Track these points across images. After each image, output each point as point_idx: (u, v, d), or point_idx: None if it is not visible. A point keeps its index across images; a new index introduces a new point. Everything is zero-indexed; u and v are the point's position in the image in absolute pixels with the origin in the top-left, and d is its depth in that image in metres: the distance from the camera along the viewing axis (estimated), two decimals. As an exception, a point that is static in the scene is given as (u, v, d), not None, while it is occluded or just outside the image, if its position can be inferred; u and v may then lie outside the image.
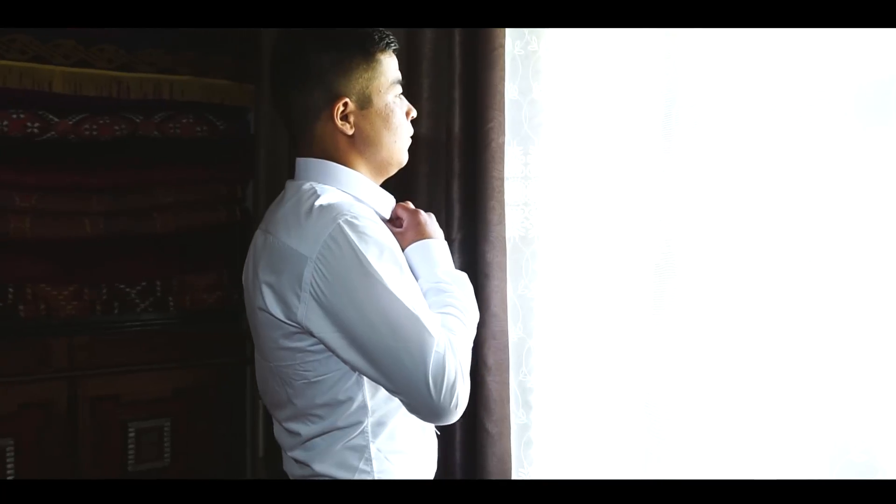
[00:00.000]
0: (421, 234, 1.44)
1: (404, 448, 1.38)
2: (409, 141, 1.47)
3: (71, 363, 2.55)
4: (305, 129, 1.40)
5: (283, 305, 1.28)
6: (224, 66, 2.67)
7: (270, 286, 1.29)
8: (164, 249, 2.66)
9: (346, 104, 1.37)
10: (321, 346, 1.29)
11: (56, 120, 2.46)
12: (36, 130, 2.44)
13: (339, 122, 1.37)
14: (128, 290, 2.61)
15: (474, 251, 1.87)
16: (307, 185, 1.37)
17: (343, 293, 1.25)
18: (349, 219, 1.27)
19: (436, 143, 1.98)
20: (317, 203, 1.30)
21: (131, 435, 2.65)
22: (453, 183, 1.90)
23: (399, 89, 1.44)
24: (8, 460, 2.49)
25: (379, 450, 1.35)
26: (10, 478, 2.50)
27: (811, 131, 1.58)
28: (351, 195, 1.39)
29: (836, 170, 1.55)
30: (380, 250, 1.27)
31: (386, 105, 1.40)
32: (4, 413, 2.48)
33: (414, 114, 1.47)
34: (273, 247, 1.31)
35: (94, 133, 2.51)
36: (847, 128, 1.53)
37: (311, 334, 1.28)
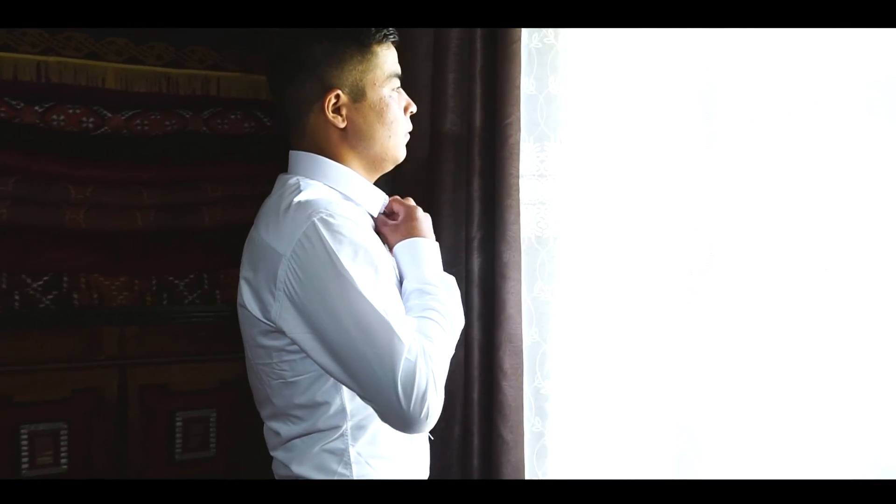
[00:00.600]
0: (413, 230, 1.40)
1: (387, 453, 1.34)
2: (407, 137, 1.43)
3: (121, 351, 2.62)
4: (298, 121, 1.38)
5: (259, 303, 1.26)
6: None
7: (248, 282, 1.28)
8: (212, 243, 2.70)
9: (337, 96, 1.33)
10: (297, 346, 1.26)
11: (109, 115, 2.54)
12: (91, 125, 2.53)
13: (330, 115, 1.34)
14: (176, 282, 2.68)
15: (491, 251, 1.81)
16: (293, 180, 1.34)
17: (315, 293, 1.21)
18: (324, 216, 1.23)
19: (460, 139, 1.93)
20: (295, 199, 1.27)
21: (178, 424, 2.71)
22: (473, 180, 1.85)
23: (396, 83, 1.39)
24: (62, 442, 2.59)
25: (359, 454, 1.31)
26: (63, 460, 2.60)
27: (850, 131, 1.48)
28: (338, 191, 1.36)
29: (885, 171, 1.45)
30: (354, 250, 1.22)
31: (381, 99, 1.36)
32: (59, 397, 2.58)
33: (413, 109, 1.43)
34: (254, 242, 1.30)
35: (146, 128, 2.58)
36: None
37: (285, 334, 1.25)
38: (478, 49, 1.83)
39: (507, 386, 1.78)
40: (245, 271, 1.29)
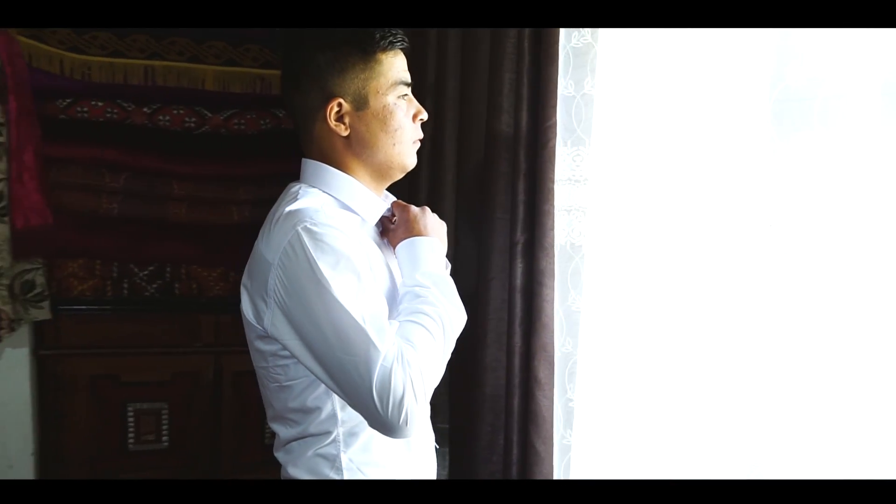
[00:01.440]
0: (410, 231, 1.38)
1: (381, 461, 1.34)
2: (416, 144, 1.39)
3: (217, 339, 2.77)
4: (305, 129, 1.38)
5: (254, 309, 1.29)
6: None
7: (246, 289, 1.30)
8: (305, 237, 2.79)
9: (340, 105, 1.32)
10: (288, 352, 1.28)
11: (209, 115, 2.69)
12: (193, 125, 2.69)
13: (332, 123, 1.33)
14: (269, 274, 2.79)
15: (531, 257, 1.76)
16: (295, 188, 1.36)
17: (297, 301, 1.22)
18: (308, 226, 1.23)
19: (512, 141, 1.88)
20: (287, 209, 1.28)
21: (270, 411, 2.82)
22: (518, 183, 1.80)
23: (403, 90, 1.36)
24: (163, 421, 2.78)
25: (351, 460, 1.31)
26: (164, 438, 2.79)
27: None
28: (337, 199, 1.35)
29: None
30: (336, 259, 1.22)
31: (384, 106, 1.34)
32: (161, 380, 2.76)
33: (423, 116, 1.39)
34: (253, 250, 1.32)
35: (242, 127, 2.70)
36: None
37: (277, 340, 1.27)
38: (525, 49, 1.77)
39: (540, 396, 1.72)
40: (244, 278, 1.32)
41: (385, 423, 1.19)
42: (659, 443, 1.68)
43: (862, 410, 1.43)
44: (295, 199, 1.31)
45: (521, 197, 1.80)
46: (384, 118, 1.34)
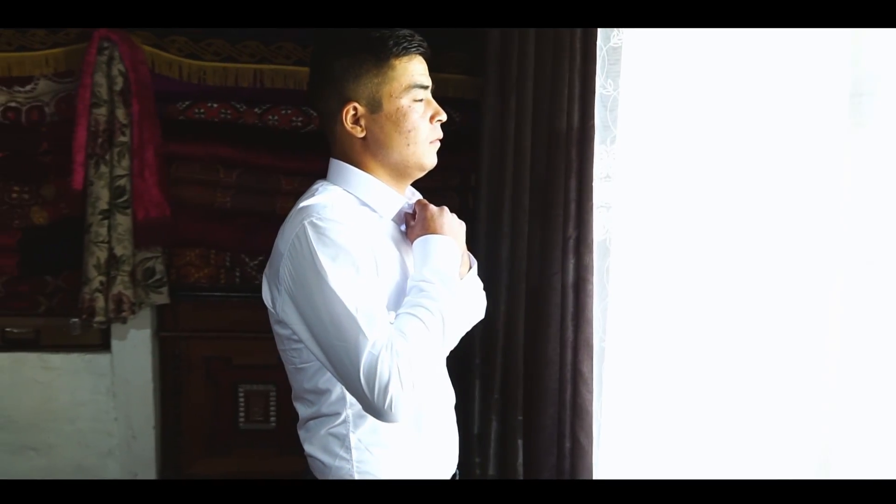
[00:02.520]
0: (426, 228, 1.44)
1: (389, 443, 1.41)
2: (435, 144, 1.45)
3: (319, 327, 2.92)
4: (329, 131, 1.48)
5: (271, 296, 1.39)
6: (457, 61, 2.79)
7: (266, 277, 1.41)
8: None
9: (355, 108, 1.41)
10: (297, 336, 1.37)
11: (314, 114, 2.81)
12: (299, 123, 2.84)
13: (349, 126, 1.42)
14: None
15: (579, 253, 1.78)
16: (316, 185, 1.46)
17: (301, 290, 1.32)
18: (314, 220, 1.32)
19: (566, 139, 1.90)
20: (302, 204, 1.38)
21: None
22: (570, 181, 1.81)
23: (419, 93, 1.42)
24: (271, 403, 2.97)
25: (359, 440, 1.40)
26: (272, 418, 2.97)
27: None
28: (355, 196, 1.44)
29: None
30: (336, 251, 1.30)
31: (397, 109, 1.40)
32: (269, 363, 2.91)
33: (441, 117, 1.45)
34: (275, 242, 1.42)
35: (344, 126, 2.83)
36: None
37: (288, 325, 1.37)
38: (577, 48, 1.79)
39: (584, 390, 1.74)
40: (266, 268, 1.43)
41: (372, 406, 1.26)
42: (685, 435, 1.67)
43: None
44: (312, 195, 1.42)
45: (572, 194, 1.82)
46: (397, 120, 1.41)
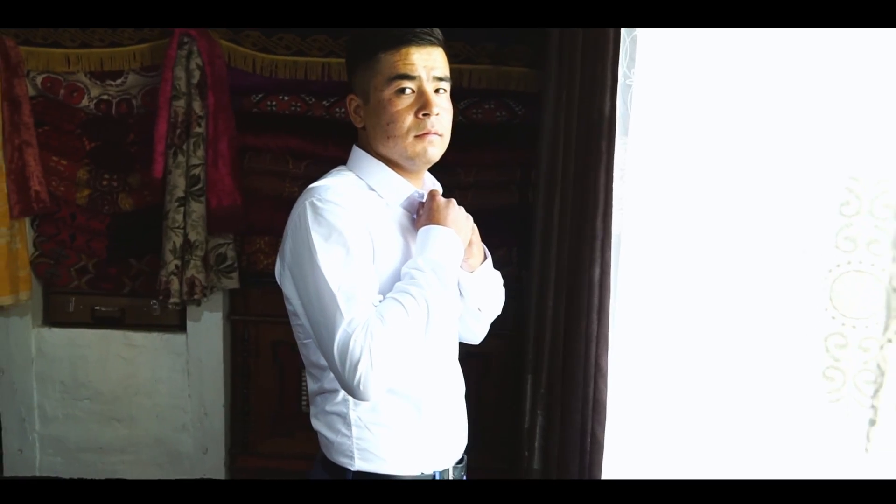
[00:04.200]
0: (430, 219, 1.45)
1: (389, 423, 1.43)
2: (428, 137, 1.42)
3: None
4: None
5: (280, 272, 1.45)
6: (520, 55, 2.78)
7: (279, 254, 1.46)
8: (468, 227, 2.90)
9: (352, 100, 1.47)
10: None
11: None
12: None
13: (352, 116, 1.48)
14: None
15: (604, 248, 1.74)
16: (336, 168, 1.49)
17: (296, 266, 1.37)
18: (314, 200, 1.36)
19: (597, 133, 1.87)
20: (311, 185, 1.42)
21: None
22: (599, 174, 1.78)
23: (401, 83, 1.40)
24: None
25: (360, 418, 1.42)
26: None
27: None
28: (364, 181, 1.47)
29: None
30: (329, 232, 1.34)
31: (379, 101, 1.42)
32: (332, 350, 3.02)
33: (428, 111, 1.40)
34: None
35: (409, 119, 2.86)
36: None
37: (289, 299, 1.42)
38: (610, 44, 1.75)
39: (602, 384, 1.71)
40: (281, 245, 1.47)
41: (343, 382, 1.30)
42: (690, 428, 1.61)
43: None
44: (325, 176, 1.47)
45: (601, 188, 1.79)
46: (378, 112, 1.43)
